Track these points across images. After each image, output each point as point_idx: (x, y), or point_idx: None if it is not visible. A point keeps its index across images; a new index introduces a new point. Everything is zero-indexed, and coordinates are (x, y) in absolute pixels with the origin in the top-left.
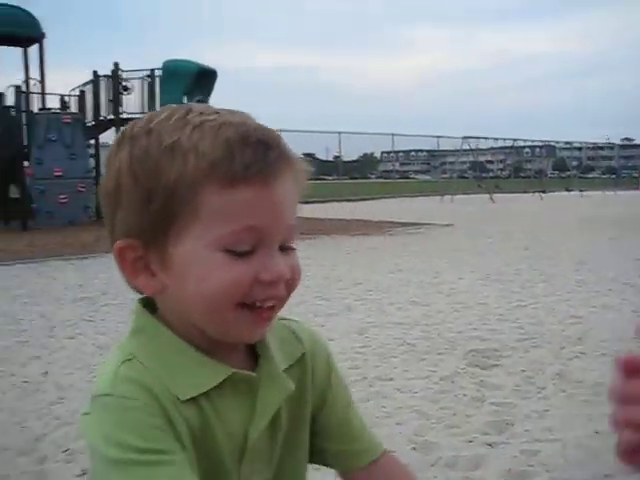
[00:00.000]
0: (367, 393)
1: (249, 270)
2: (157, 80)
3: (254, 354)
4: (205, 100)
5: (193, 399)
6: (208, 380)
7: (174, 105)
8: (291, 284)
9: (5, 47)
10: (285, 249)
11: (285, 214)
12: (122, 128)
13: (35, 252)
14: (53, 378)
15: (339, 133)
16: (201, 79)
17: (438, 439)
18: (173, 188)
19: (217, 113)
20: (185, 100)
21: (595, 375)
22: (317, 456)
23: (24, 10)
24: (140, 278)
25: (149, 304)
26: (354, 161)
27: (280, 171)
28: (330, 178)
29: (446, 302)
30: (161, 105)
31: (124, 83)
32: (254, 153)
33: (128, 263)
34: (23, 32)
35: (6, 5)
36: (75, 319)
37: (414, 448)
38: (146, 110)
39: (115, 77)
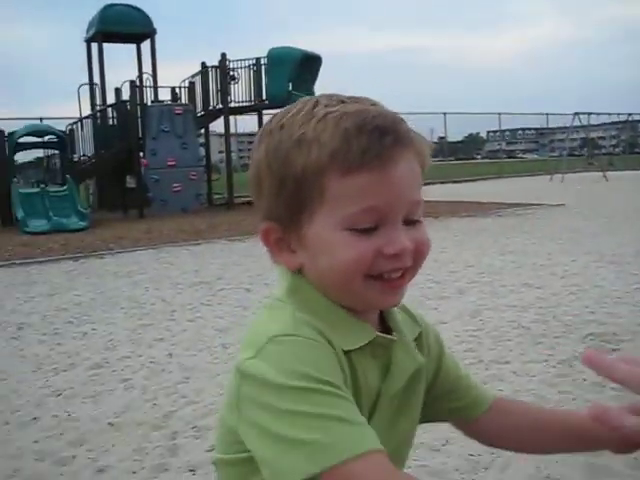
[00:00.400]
0: (483, 376)
1: (372, 245)
2: (262, 68)
3: (384, 327)
4: (310, 86)
5: (347, 352)
6: (359, 338)
7: (306, 98)
8: (418, 255)
9: (120, 44)
10: (410, 223)
11: (404, 193)
12: (262, 126)
13: (152, 239)
14: (177, 359)
15: (444, 114)
16: (306, 65)
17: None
18: (301, 176)
19: (342, 103)
20: (290, 87)
21: None
22: (434, 415)
23: (137, 8)
24: (283, 255)
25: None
26: (459, 142)
27: (397, 154)
28: (435, 159)
29: (560, 284)
30: (267, 93)
31: (231, 73)
32: (369, 140)
33: (272, 243)
34: (136, 29)
35: (121, 5)
36: (194, 303)
37: None
38: (253, 98)
39: (222, 67)
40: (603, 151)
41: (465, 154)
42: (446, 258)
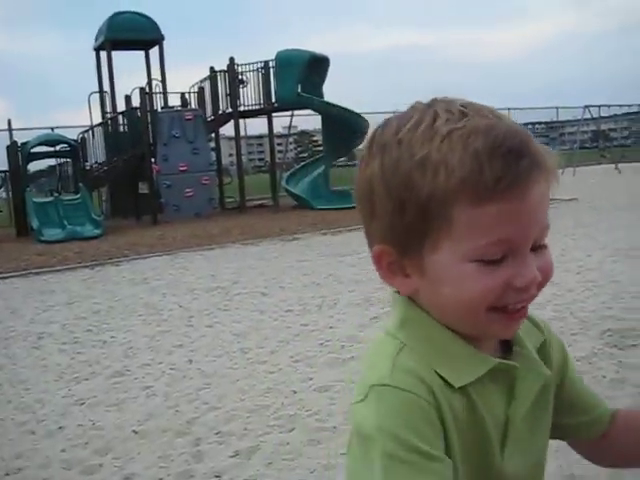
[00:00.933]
0: None
1: (500, 278)
2: (271, 71)
3: (504, 342)
4: (319, 88)
5: (462, 387)
6: (477, 369)
7: (420, 104)
8: (542, 282)
9: (129, 52)
10: (537, 248)
11: (536, 221)
12: (371, 134)
13: (166, 245)
14: (197, 365)
15: None
16: (314, 67)
17: None
18: (426, 203)
19: (465, 116)
20: (299, 89)
21: None
22: (556, 432)
23: (145, 15)
24: (396, 279)
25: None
26: None
27: (532, 179)
28: None
29: (576, 280)
30: (276, 95)
31: (240, 77)
32: (504, 165)
33: (384, 266)
34: (144, 36)
35: (129, 12)
36: (211, 308)
37: None
38: (262, 101)
39: (231, 71)
40: (615, 143)
41: None
42: None
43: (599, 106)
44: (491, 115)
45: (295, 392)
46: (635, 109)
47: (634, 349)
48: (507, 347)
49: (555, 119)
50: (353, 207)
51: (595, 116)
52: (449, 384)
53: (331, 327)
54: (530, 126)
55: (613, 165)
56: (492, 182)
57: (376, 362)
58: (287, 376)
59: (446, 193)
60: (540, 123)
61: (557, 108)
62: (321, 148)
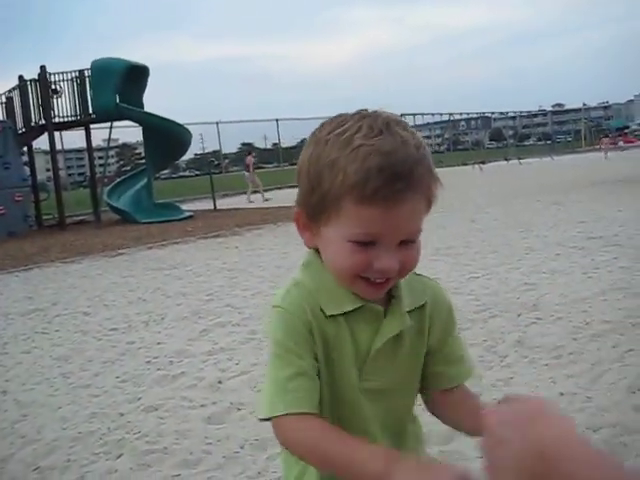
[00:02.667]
0: None
1: (366, 259)
2: (87, 81)
3: (390, 295)
4: (139, 98)
5: (334, 317)
6: (347, 305)
7: (357, 116)
8: (403, 269)
9: None
10: (406, 242)
11: (403, 226)
12: (317, 126)
13: None
14: (13, 396)
15: (276, 120)
16: (132, 76)
17: None
18: (325, 194)
19: (380, 134)
20: (117, 99)
21: (553, 339)
22: (424, 381)
23: None
24: (306, 234)
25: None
26: (293, 147)
27: (404, 198)
28: (270, 166)
29: None
30: (93, 106)
31: (53, 86)
32: (383, 183)
33: (300, 224)
34: None
35: None
36: (28, 332)
37: None
38: (79, 112)
39: (43, 80)
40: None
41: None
42: (289, 263)
43: (413, 114)
44: (404, 136)
45: (122, 414)
46: (446, 118)
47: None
48: (390, 298)
49: None
50: (179, 219)
51: (410, 124)
52: (324, 313)
53: (159, 343)
54: None
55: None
56: (371, 193)
57: (280, 290)
58: (113, 398)
59: (339, 192)
60: None
61: None
62: (143, 161)
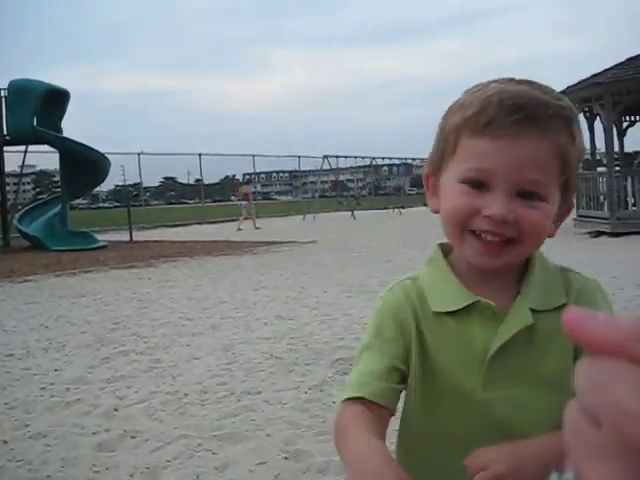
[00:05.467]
0: (235, 407)
1: (474, 202)
2: (3, 101)
3: (517, 292)
4: (57, 123)
5: (440, 314)
6: (456, 302)
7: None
8: (523, 230)
9: None
10: (527, 197)
11: (518, 167)
12: None
13: None
14: None
15: (199, 155)
16: (52, 100)
17: (309, 447)
18: (447, 133)
19: (513, 82)
20: (35, 122)
21: None
22: None
23: None
24: (432, 200)
25: (444, 249)
26: (216, 184)
27: (520, 132)
28: (192, 201)
29: (312, 315)
30: (8, 127)
31: None
32: (499, 113)
33: (429, 187)
34: None
35: None
36: None
37: (286, 457)
38: None
39: None
40: (351, 192)
41: (222, 196)
42: (201, 296)
43: (337, 157)
44: (544, 87)
45: (6, 442)
46: (368, 162)
47: None
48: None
49: (298, 168)
50: (92, 249)
51: (334, 167)
52: (432, 311)
53: (56, 370)
54: (275, 174)
55: (349, 212)
56: (485, 123)
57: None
58: None
59: (457, 125)
60: (284, 172)
61: (299, 157)
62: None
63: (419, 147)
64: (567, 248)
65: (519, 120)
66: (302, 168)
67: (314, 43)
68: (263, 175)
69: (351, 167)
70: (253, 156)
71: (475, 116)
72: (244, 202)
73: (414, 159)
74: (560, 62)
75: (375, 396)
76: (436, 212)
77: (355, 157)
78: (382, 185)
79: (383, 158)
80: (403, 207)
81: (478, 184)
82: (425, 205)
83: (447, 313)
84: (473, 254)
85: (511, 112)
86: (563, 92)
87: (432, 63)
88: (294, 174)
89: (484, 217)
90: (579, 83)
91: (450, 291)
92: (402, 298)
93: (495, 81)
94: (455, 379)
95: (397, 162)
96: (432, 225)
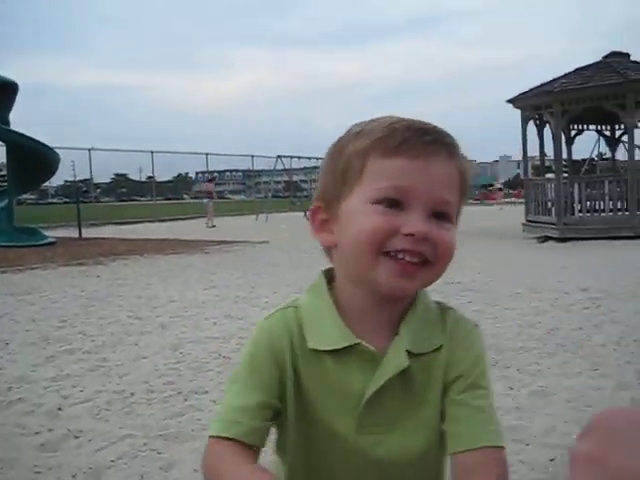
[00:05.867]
0: (182, 407)
1: (392, 221)
2: None
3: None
4: (5, 115)
5: (317, 351)
6: (336, 341)
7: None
8: (438, 251)
9: None
10: (439, 217)
11: (434, 185)
12: None
13: None
14: None
15: (152, 152)
16: None
17: None
18: (349, 158)
19: (411, 120)
20: None
21: None
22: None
23: None
24: (322, 235)
25: (329, 277)
26: (169, 181)
27: (433, 151)
28: (144, 199)
29: (261, 315)
30: None
31: None
32: (411, 134)
33: (317, 223)
34: None
35: None
36: None
37: None
38: None
39: None
40: (305, 193)
41: (174, 194)
42: (149, 294)
43: (291, 157)
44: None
45: None
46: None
47: None
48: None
49: (251, 167)
50: (40, 245)
51: (287, 167)
52: (306, 344)
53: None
54: (228, 173)
55: (302, 213)
56: (397, 143)
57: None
58: None
59: (364, 149)
60: (238, 171)
61: (252, 156)
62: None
63: None
64: (516, 252)
65: (431, 141)
66: (255, 168)
67: (274, 44)
68: (216, 174)
69: (305, 168)
70: (206, 154)
71: (386, 138)
72: (206, 200)
73: None
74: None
75: (245, 436)
76: (332, 245)
77: (309, 158)
78: None
79: None
80: None
81: (394, 203)
82: None
83: (325, 351)
84: (387, 276)
85: (422, 134)
86: (514, 99)
87: (387, 66)
88: (247, 173)
89: (404, 236)
90: (530, 91)
91: (331, 328)
92: (281, 328)
93: (392, 118)
94: (330, 421)
95: None
96: None
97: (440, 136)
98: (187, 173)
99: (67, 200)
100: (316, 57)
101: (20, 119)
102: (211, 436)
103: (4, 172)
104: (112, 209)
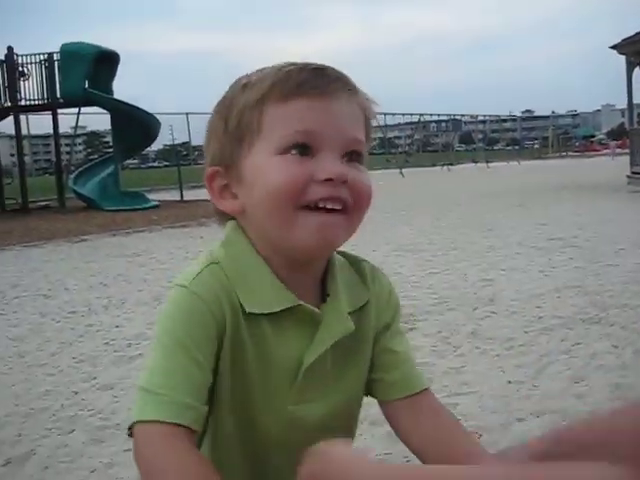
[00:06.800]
0: None
1: (305, 170)
2: (56, 65)
3: (324, 293)
4: (108, 84)
5: (255, 315)
6: (275, 303)
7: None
8: (357, 194)
9: None
10: (351, 159)
11: (342, 125)
12: None
13: None
14: None
15: None
16: (102, 62)
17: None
18: (242, 110)
19: (303, 62)
20: (86, 84)
21: (506, 332)
22: (367, 387)
23: None
24: (225, 202)
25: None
26: None
27: (335, 90)
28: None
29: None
30: (61, 90)
31: (20, 68)
32: (309, 74)
33: (216, 190)
34: None
35: None
36: None
37: None
38: (46, 96)
39: (10, 62)
40: (399, 150)
41: None
42: None
43: (384, 114)
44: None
45: (76, 392)
46: (416, 119)
47: (412, 332)
48: (324, 298)
49: None
50: (145, 208)
51: (382, 124)
52: (243, 309)
53: (117, 326)
54: None
55: (398, 170)
56: (296, 85)
57: (189, 267)
58: (68, 377)
59: (258, 99)
60: None
61: None
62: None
63: (467, 103)
64: (619, 206)
65: (332, 80)
66: None
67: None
68: None
69: (399, 124)
70: None
71: (282, 82)
72: None
73: (463, 115)
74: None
75: (195, 423)
76: (238, 211)
77: (403, 114)
78: (430, 142)
79: (431, 114)
80: (452, 164)
81: (303, 149)
82: (475, 162)
83: (263, 315)
84: (311, 232)
85: (320, 73)
86: (619, 44)
87: (476, 17)
88: None
89: (321, 182)
90: (636, 35)
91: (266, 288)
92: (216, 290)
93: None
94: (265, 395)
95: (445, 118)
96: (481, 182)
97: (338, 74)
98: None
99: (167, 164)
100: (408, 9)
101: (120, 87)
102: (151, 420)
103: (107, 139)
104: None
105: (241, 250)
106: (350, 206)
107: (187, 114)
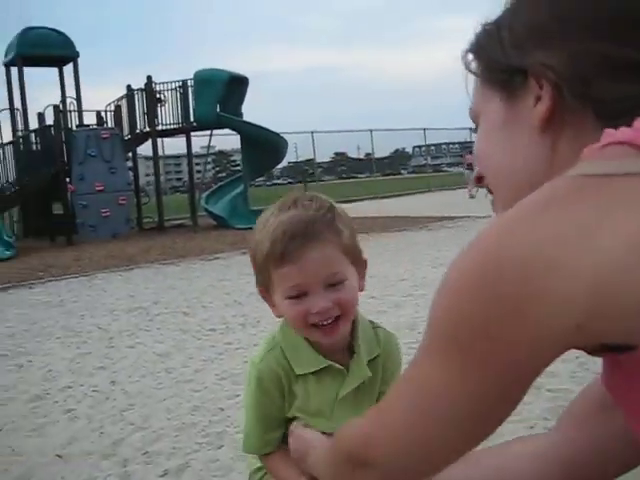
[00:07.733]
0: None
1: (302, 308)
2: (189, 90)
3: (352, 346)
4: (238, 107)
5: (303, 375)
6: (313, 365)
7: (292, 195)
8: (344, 307)
9: (42, 68)
10: (334, 285)
11: (318, 272)
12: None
13: (83, 266)
14: (121, 386)
15: (370, 131)
16: (233, 87)
17: (500, 428)
18: (261, 267)
19: (288, 210)
20: (218, 108)
21: None
22: None
23: (58, 31)
24: (274, 309)
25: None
26: (386, 157)
27: (305, 250)
28: (363, 176)
29: None
30: (195, 115)
31: (158, 95)
32: (285, 245)
33: (269, 300)
34: (58, 52)
35: (41, 28)
36: (132, 329)
37: None
38: (180, 120)
39: (149, 90)
40: None
41: (392, 169)
42: (380, 273)
43: None
44: (306, 205)
45: (222, 409)
46: None
47: None
48: (351, 354)
49: (469, 140)
50: None
51: None
52: (294, 372)
53: (255, 345)
54: (445, 146)
55: None
56: (279, 255)
57: (260, 348)
58: (214, 394)
59: (265, 264)
60: (454, 143)
61: (470, 129)
62: (239, 168)
63: None
64: None
65: (304, 243)
66: (473, 139)
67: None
68: (433, 147)
69: None
70: (424, 129)
71: (271, 253)
72: (467, 171)
73: None
74: None
75: (278, 441)
76: (279, 317)
77: None
78: None
79: None
80: None
81: (299, 294)
82: None
83: (309, 373)
84: (319, 337)
85: (292, 240)
86: None
87: None
88: (464, 145)
89: (314, 314)
90: None
91: (308, 357)
92: (276, 367)
93: (275, 212)
94: (315, 421)
95: None
96: None
97: (308, 235)
98: (404, 148)
99: (291, 181)
100: None
101: (247, 109)
102: (264, 455)
103: (234, 157)
104: (334, 187)
105: (290, 333)
106: (340, 315)
107: (312, 133)
